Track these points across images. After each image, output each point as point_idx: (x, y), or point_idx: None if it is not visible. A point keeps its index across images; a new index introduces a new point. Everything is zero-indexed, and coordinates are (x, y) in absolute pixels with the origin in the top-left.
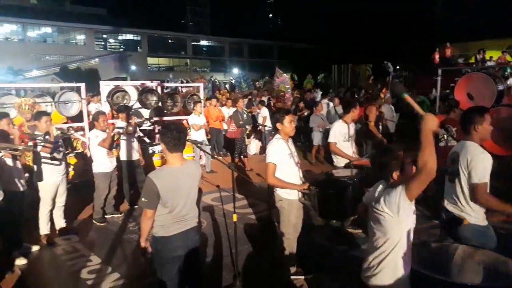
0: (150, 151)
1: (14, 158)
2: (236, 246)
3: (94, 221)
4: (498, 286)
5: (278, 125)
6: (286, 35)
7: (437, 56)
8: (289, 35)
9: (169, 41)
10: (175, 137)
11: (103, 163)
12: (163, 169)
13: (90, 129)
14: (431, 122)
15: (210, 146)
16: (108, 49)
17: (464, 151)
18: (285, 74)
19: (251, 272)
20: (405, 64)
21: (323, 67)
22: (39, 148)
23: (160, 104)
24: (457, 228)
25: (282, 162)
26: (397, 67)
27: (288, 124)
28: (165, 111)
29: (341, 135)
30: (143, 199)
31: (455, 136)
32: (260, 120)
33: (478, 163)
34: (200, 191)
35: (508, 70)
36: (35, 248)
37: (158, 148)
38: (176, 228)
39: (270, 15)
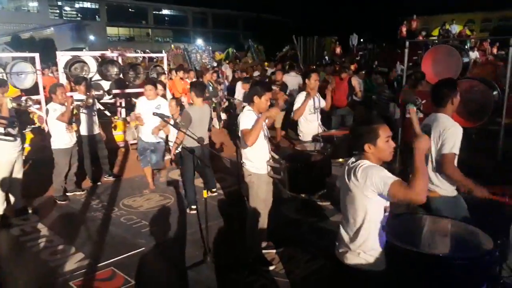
0: None
1: None
2: (206, 222)
3: (54, 200)
4: (467, 257)
5: (255, 98)
6: (252, 5)
7: (404, 29)
8: (255, 6)
9: (129, 9)
10: (200, 87)
11: (62, 138)
12: (193, 107)
13: (47, 102)
14: (425, 143)
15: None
16: (64, 18)
17: (436, 123)
18: None
19: (222, 248)
20: (370, 37)
21: (290, 39)
22: None
23: (121, 75)
24: (428, 200)
25: None
26: (361, 40)
27: (265, 101)
28: (126, 82)
29: (307, 108)
30: (182, 123)
31: (421, 109)
32: (238, 95)
33: (450, 135)
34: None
35: (468, 44)
36: None
37: None
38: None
39: None
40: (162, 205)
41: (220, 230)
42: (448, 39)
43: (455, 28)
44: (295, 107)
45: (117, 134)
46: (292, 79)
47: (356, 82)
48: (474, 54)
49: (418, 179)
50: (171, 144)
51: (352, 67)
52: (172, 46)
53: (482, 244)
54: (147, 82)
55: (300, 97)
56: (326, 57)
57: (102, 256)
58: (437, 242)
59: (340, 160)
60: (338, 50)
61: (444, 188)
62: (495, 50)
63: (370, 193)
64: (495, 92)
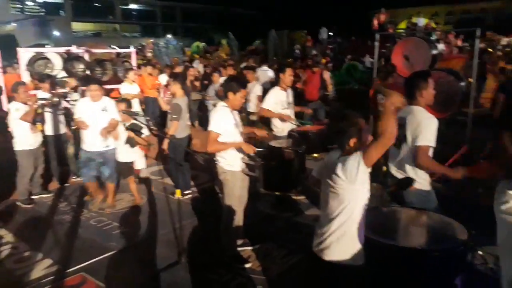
0: None
1: None
2: (180, 221)
3: (19, 204)
4: (443, 249)
5: (230, 93)
6: None
7: (376, 22)
8: (224, 0)
9: (95, 4)
10: (182, 78)
11: (26, 139)
12: (179, 98)
13: (10, 101)
14: (395, 99)
15: (147, 118)
16: (26, 13)
17: (411, 116)
18: None
19: (196, 247)
20: (339, 31)
21: (260, 33)
22: None
23: (88, 72)
24: (403, 193)
25: (227, 132)
26: (330, 34)
27: (240, 98)
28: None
29: (279, 103)
30: (174, 116)
31: None
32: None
33: (426, 127)
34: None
35: (434, 37)
36: None
37: None
38: (185, 132)
39: None
40: (134, 206)
41: (194, 229)
42: (415, 32)
43: (422, 21)
44: (265, 101)
45: None
46: (264, 74)
47: (327, 76)
48: (440, 47)
49: (387, 117)
50: None
51: (323, 60)
52: (150, 40)
53: (457, 234)
54: (92, 82)
55: (272, 92)
56: (297, 50)
57: (72, 262)
58: (413, 234)
59: (315, 155)
60: (309, 43)
61: (419, 182)
62: (459, 42)
63: (359, 183)
64: (462, 83)
